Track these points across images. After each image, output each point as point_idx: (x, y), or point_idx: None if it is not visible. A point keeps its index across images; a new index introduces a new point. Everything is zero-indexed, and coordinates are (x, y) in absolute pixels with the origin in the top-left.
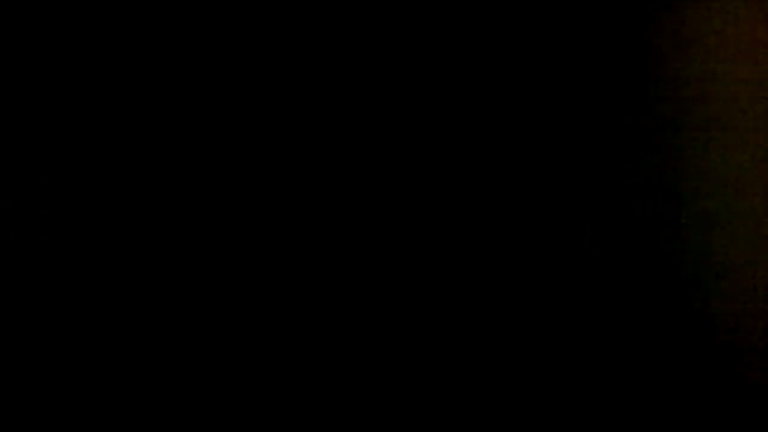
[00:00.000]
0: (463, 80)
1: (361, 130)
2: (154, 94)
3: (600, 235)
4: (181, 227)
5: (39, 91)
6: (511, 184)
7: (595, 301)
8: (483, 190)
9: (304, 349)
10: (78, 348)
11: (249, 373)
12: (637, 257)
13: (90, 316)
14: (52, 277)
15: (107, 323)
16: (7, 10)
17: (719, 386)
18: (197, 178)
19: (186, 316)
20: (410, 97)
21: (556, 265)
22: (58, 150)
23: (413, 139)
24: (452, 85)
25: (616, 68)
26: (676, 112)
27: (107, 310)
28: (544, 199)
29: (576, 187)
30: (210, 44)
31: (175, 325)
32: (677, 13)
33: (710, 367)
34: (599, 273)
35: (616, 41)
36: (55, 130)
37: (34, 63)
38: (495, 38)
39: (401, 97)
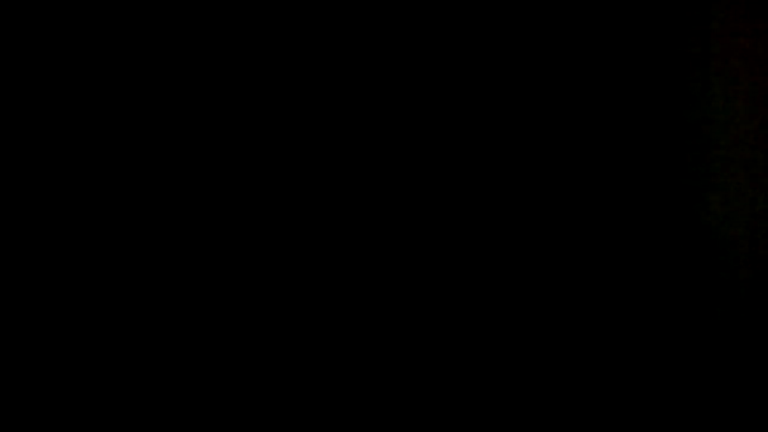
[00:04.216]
0: (464, 80)
1: (360, 130)
2: (154, 94)
3: (599, 234)
4: (181, 227)
5: (39, 91)
6: (509, 183)
7: (594, 301)
8: (484, 189)
9: (304, 349)
10: (78, 348)
11: (249, 373)
12: (636, 257)
13: (90, 316)
14: (52, 277)
15: (107, 323)
16: (7, 10)
17: (720, 386)
18: (197, 178)
19: (186, 316)
20: (410, 97)
21: (556, 265)
22: (58, 150)
23: (412, 139)
24: (456, 85)
25: (616, 68)
26: (677, 112)
27: (107, 310)
28: (544, 198)
29: (575, 187)
30: (210, 44)
31: (175, 325)
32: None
33: (711, 366)
34: (598, 273)
35: (616, 40)
36: (55, 130)
37: (34, 63)
38: (492, 39)
39: (401, 97)
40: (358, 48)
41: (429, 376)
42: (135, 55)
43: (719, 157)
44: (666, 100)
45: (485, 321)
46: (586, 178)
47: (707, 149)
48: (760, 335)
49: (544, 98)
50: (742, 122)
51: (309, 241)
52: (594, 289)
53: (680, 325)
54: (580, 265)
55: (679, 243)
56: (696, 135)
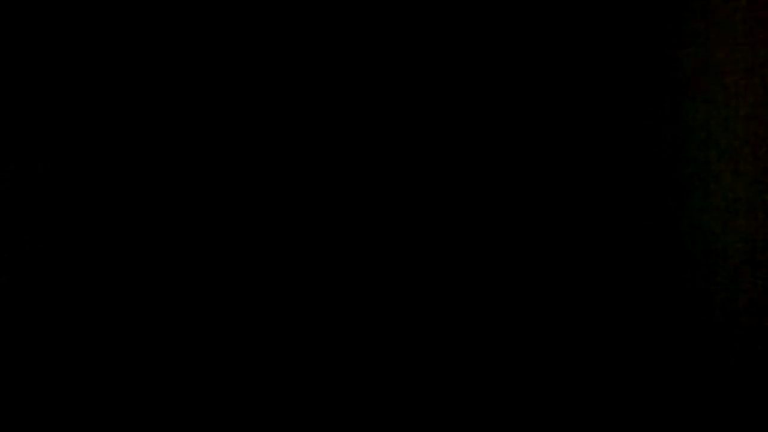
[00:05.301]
0: (465, 80)
1: (360, 129)
2: (154, 94)
3: (599, 232)
4: (181, 227)
5: (39, 91)
6: (508, 181)
7: (594, 299)
8: (485, 189)
9: (304, 349)
10: (78, 348)
11: (249, 373)
12: (636, 254)
13: (90, 316)
14: (52, 277)
15: (107, 323)
16: (7, 10)
17: (721, 386)
18: (197, 178)
19: (186, 317)
20: (401, 99)
21: (556, 264)
22: (58, 150)
23: (412, 139)
24: (457, 84)
25: (615, 66)
26: (676, 108)
27: (107, 310)
28: (543, 195)
29: (574, 184)
30: (210, 44)
31: (175, 325)
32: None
33: (711, 366)
34: (598, 271)
35: (615, 39)
36: (55, 130)
37: (34, 63)
38: (493, 38)
39: (401, 97)
40: (358, 48)
41: (422, 375)
42: (135, 55)
43: (715, 158)
44: (656, 101)
45: (477, 320)
46: (576, 180)
47: (702, 149)
48: (756, 339)
49: (539, 97)
50: (739, 123)
51: (309, 241)
52: (581, 291)
53: (670, 330)
54: (570, 266)
55: (670, 246)
56: (690, 136)
